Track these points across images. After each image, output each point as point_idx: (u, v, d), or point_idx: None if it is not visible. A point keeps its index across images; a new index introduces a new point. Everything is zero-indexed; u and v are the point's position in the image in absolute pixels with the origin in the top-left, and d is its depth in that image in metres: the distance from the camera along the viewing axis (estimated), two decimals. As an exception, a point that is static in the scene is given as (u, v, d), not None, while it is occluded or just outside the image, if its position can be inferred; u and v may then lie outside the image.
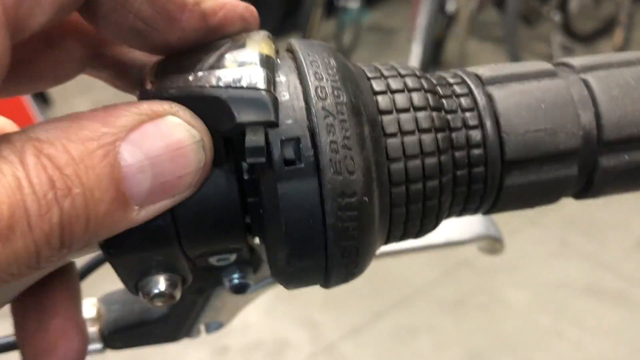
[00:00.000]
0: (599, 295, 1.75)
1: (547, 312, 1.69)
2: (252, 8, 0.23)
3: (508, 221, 2.03)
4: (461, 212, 0.25)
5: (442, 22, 2.55)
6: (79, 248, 0.17)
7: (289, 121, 0.19)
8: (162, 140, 0.18)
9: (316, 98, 0.19)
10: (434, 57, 2.40)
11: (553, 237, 1.96)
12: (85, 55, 0.23)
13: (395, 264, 1.84)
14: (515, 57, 2.50)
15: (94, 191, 0.16)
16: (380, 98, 0.22)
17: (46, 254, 0.16)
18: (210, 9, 0.21)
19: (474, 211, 0.25)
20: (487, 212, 0.26)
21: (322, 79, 0.20)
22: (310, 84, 0.20)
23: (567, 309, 1.70)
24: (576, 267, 1.85)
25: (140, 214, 0.18)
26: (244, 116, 0.19)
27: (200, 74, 0.20)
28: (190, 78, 0.20)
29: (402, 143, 0.21)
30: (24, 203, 0.15)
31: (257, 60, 0.20)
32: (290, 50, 0.22)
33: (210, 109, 0.19)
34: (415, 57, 2.29)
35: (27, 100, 1.89)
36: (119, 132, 0.17)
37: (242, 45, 0.20)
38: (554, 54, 2.71)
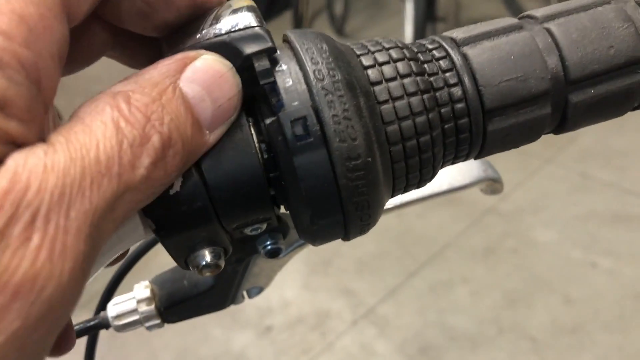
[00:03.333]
0: (627, 221, 1.76)
1: (578, 246, 1.71)
2: None
3: (527, 164, 2.04)
4: (454, 160, 0.28)
5: (432, -24, 2.52)
6: (179, 170, 0.21)
7: (295, 103, 0.23)
8: (207, 73, 0.22)
9: (315, 80, 0.23)
10: (428, 14, 2.38)
11: (573, 172, 1.97)
12: (108, 39, 0.27)
13: (421, 222, 1.86)
14: (511, 4, 2.47)
15: (180, 118, 0.21)
16: (370, 71, 0.25)
17: (156, 177, 0.20)
18: None
19: (466, 157, 0.29)
20: (477, 156, 0.29)
21: (317, 62, 0.23)
22: (308, 68, 0.23)
23: (598, 240, 1.72)
24: (600, 198, 1.86)
25: (211, 138, 0.22)
26: (248, 49, 0.22)
27: (204, 31, 0.23)
28: (198, 36, 0.23)
29: (394, 107, 0.24)
30: (125, 138, 0.19)
31: (244, 9, 0.24)
32: (287, 41, 0.25)
33: (220, 53, 0.23)
34: (409, 16, 2.28)
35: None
36: (174, 74, 0.21)
37: (229, 6, 0.24)
38: (548, -12, 2.68)
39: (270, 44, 0.23)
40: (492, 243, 1.76)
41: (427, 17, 2.35)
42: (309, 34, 0.25)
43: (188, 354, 1.59)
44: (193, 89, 0.21)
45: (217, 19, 0.24)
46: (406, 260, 1.75)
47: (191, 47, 0.23)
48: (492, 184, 0.45)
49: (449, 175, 0.44)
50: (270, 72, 0.23)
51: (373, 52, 0.26)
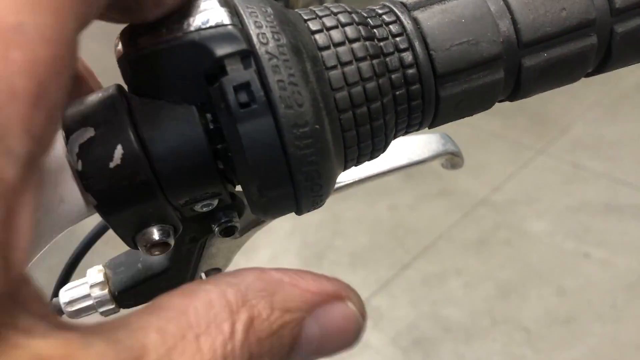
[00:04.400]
0: (620, 211, 1.77)
1: (571, 236, 1.71)
2: None
3: (518, 154, 2.03)
4: (408, 128, 0.28)
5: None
6: None
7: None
8: (337, 324, 0.20)
9: (259, 44, 0.21)
10: None
11: (565, 163, 1.97)
12: None
13: (413, 214, 1.86)
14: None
15: (281, 353, 0.18)
16: (317, 36, 0.24)
17: None
18: None
19: (419, 126, 0.28)
20: (431, 125, 0.28)
21: (261, 26, 0.22)
22: (252, 32, 0.22)
23: (590, 230, 1.72)
24: (593, 188, 1.86)
25: None
26: (220, 50, 0.21)
27: (171, 26, 0.21)
28: (164, 31, 0.22)
29: (343, 73, 0.23)
30: None
31: (216, 2, 0.22)
32: (230, 6, 0.24)
33: (189, 53, 0.21)
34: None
35: None
36: (309, 308, 0.19)
37: None
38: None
39: (244, 46, 0.21)
40: (484, 234, 1.76)
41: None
42: None
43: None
44: (312, 332, 0.19)
45: (185, 12, 0.22)
46: (399, 253, 1.75)
47: (153, 46, 0.21)
48: (453, 158, 0.45)
49: (408, 149, 0.44)
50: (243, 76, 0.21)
51: (321, 17, 0.25)
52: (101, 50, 0.83)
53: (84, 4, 0.16)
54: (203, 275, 0.40)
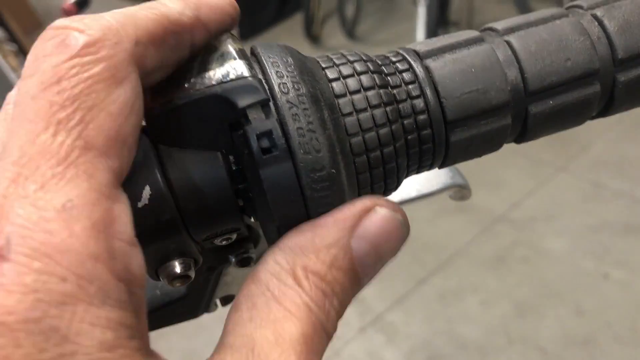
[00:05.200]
0: (640, 231, 1.74)
1: (590, 256, 1.69)
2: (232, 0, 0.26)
3: (538, 172, 2.01)
4: (419, 169, 0.29)
5: (445, -20, 2.51)
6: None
7: (261, 116, 0.23)
8: (379, 230, 0.23)
9: (280, 93, 0.23)
10: (441, 18, 2.37)
11: (585, 181, 1.95)
12: None
13: (430, 229, 1.85)
14: (523, 7, 2.46)
15: (345, 284, 0.22)
16: (334, 84, 0.25)
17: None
18: (207, 18, 0.24)
19: (430, 167, 0.29)
20: (441, 166, 0.30)
21: (282, 76, 0.23)
22: (273, 82, 0.23)
23: (610, 250, 1.70)
24: (613, 207, 1.84)
25: (365, 281, 0.24)
26: (242, 102, 0.22)
27: (192, 80, 0.23)
28: (186, 85, 0.23)
29: (358, 120, 0.25)
30: (319, 321, 0.21)
31: (234, 55, 0.24)
32: (254, 54, 0.26)
33: (213, 105, 0.23)
34: (421, 20, 2.27)
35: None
36: (348, 233, 0.23)
37: (216, 49, 0.24)
38: (562, -5, 2.66)
39: (264, 96, 0.23)
40: (502, 251, 1.75)
41: (440, 22, 2.34)
42: (275, 48, 0.25)
43: (194, 357, 1.59)
44: (362, 246, 0.23)
45: (204, 66, 0.23)
46: (415, 268, 1.74)
47: (179, 101, 0.23)
48: (460, 190, 0.46)
49: (417, 183, 0.46)
50: (265, 123, 0.23)
51: (338, 65, 0.26)
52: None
53: (112, 166, 0.19)
54: (218, 301, 0.42)
